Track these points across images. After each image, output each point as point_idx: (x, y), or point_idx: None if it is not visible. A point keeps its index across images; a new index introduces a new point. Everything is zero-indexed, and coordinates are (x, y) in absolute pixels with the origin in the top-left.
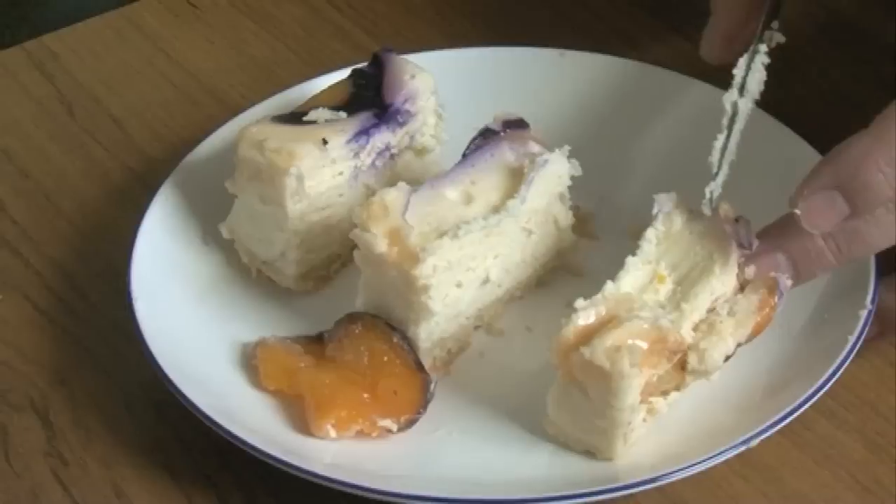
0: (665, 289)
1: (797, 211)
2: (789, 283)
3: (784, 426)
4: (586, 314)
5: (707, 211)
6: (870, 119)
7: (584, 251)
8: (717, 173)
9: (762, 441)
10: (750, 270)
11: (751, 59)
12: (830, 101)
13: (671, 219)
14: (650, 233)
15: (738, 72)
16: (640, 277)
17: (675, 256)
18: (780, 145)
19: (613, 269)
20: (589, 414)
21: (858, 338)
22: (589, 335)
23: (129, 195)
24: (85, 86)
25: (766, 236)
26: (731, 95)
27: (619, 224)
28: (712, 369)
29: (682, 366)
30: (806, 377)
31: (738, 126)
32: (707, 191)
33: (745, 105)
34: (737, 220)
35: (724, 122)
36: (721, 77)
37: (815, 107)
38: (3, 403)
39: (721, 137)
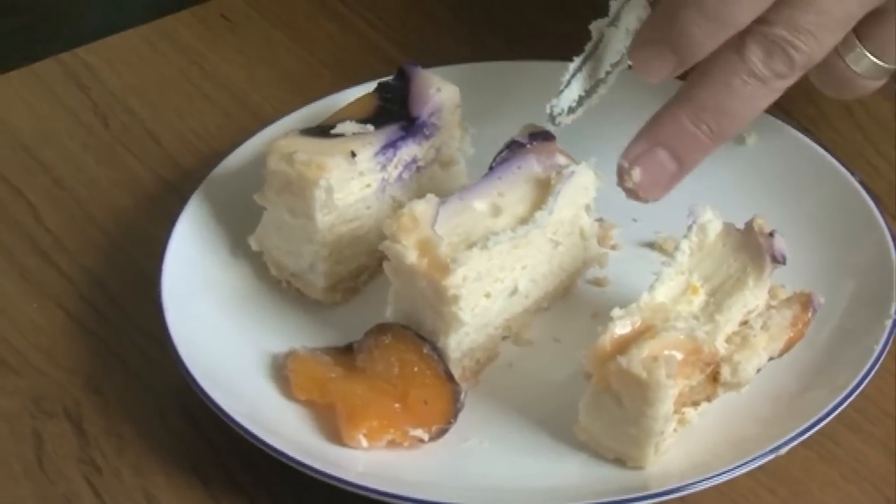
0: (698, 300)
1: (625, 60)
2: (820, 300)
3: (810, 439)
4: (623, 324)
5: (550, 128)
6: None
7: (607, 262)
8: (562, 91)
9: (789, 454)
10: (636, 173)
11: None
12: (860, 120)
13: (705, 230)
14: (684, 244)
15: (614, 4)
16: (673, 288)
17: (709, 268)
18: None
19: (636, 279)
20: (622, 422)
21: (884, 347)
22: (625, 344)
23: (161, 205)
24: (119, 97)
25: (638, 138)
26: (600, 24)
27: (639, 235)
28: (744, 382)
29: (714, 377)
30: (832, 387)
31: (608, 59)
32: (547, 106)
33: (615, 36)
34: (771, 234)
35: (588, 46)
36: None
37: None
38: (36, 410)
39: (577, 59)
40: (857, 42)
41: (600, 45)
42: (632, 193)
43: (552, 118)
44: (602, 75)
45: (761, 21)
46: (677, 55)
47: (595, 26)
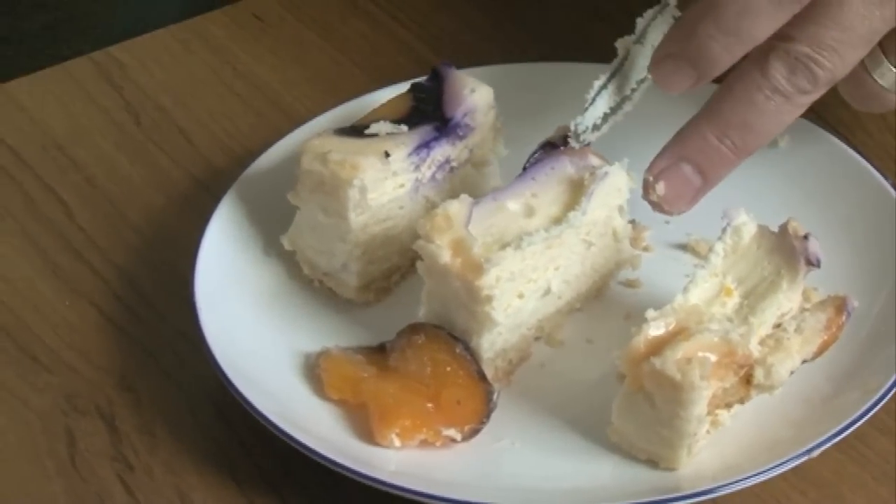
0: (732, 302)
1: (649, 76)
2: (854, 304)
3: (842, 442)
4: (657, 325)
5: (575, 145)
6: None
7: (640, 264)
8: (587, 108)
9: (820, 456)
10: (660, 187)
11: (658, 12)
12: (891, 122)
13: (739, 232)
14: (718, 246)
15: (641, 21)
16: (707, 290)
17: (742, 270)
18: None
19: (669, 281)
20: (655, 423)
21: None
22: (659, 346)
23: (194, 204)
24: (152, 96)
25: (663, 152)
26: (626, 41)
27: (672, 237)
28: (778, 385)
29: (747, 380)
30: (864, 390)
31: (634, 76)
32: (572, 124)
33: (641, 53)
34: (805, 236)
35: (614, 63)
36: None
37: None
38: (69, 408)
39: (603, 77)
40: (884, 57)
41: (626, 61)
42: (656, 206)
43: (576, 136)
44: (628, 92)
45: (784, 37)
46: (696, 69)
47: (621, 43)
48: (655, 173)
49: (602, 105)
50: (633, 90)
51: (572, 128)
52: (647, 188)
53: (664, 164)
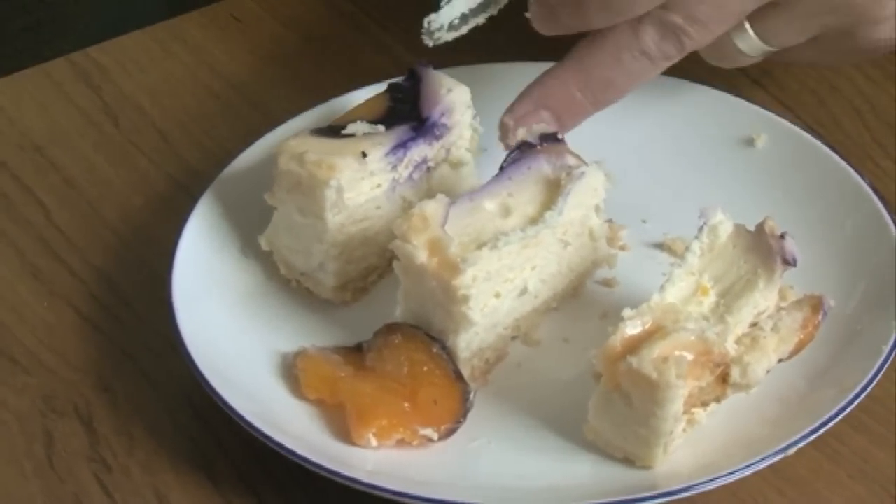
0: (708, 301)
1: (527, 15)
2: (830, 303)
3: (818, 439)
4: (634, 324)
5: (428, 42)
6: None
7: (616, 263)
8: (442, 6)
9: (796, 454)
10: (521, 132)
11: None
12: (868, 121)
13: (716, 231)
14: (695, 245)
15: None
16: (683, 289)
17: (719, 269)
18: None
19: (645, 280)
20: (631, 422)
21: (892, 349)
22: (636, 345)
23: (172, 205)
24: (130, 97)
25: (525, 97)
26: None
27: (648, 236)
28: (754, 384)
29: (723, 378)
30: (840, 388)
31: None
32: (425, 21)
33: None
34: (782, 236)
35: None
36: (755, 93)
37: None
38: (47, 409)
39: None
40: (747, 25)
41: None
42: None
43: (429, 33)
44: None
45: (660, 2)
46: (568, 24)
47: None
48: (516, 118)
49: (459, 5)
50: None
51: (425, 24)
52: (505, 132)
53: (524, 109)
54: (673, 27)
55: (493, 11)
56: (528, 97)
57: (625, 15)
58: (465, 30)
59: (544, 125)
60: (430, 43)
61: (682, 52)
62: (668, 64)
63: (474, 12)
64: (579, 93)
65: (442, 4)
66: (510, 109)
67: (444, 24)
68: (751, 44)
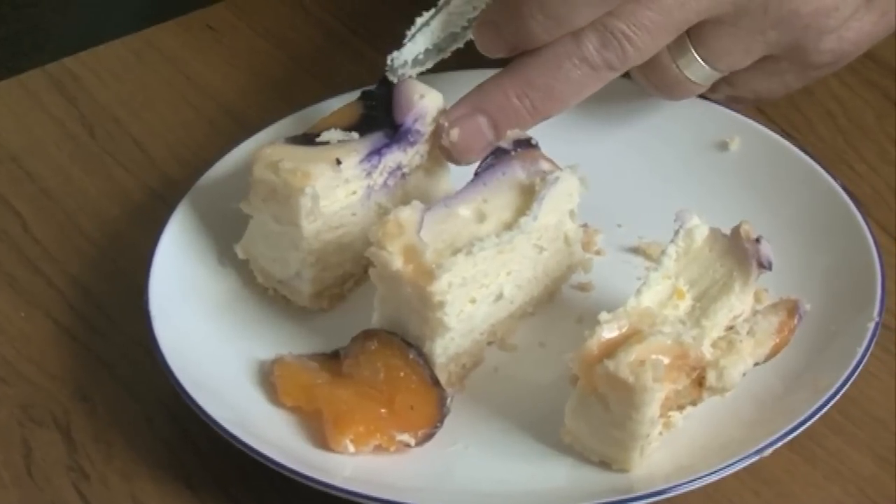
0: (684, 305)
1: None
2: (806, 307)
3: (794, 441)
4: (610, 328)
5: (392, 78)
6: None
7: (592, 267)
8: (405, 44)
9: (772, 455)
10: (454, 134)
11: None
12: (841, 125)
13: (692, 235)
14: (670, 248)
15: None
16: (659, 293)
17: (694, 273)
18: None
19: (621, 284)
20: (608, 425)
21: (866, 350)
22: (612, 348)
23: (149, 214)
24: (106, 107)
25: (463, 100)
26: None
27: (624, 241)
28: (730, 387)
29: (700, 382)
30: (815, 390)
31: (466, 14)
32: (389, 58)
33: None
34: (757, 239)
35: (440, 2)
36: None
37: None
38: (25, 418)
39: (426, 14)
40: (691, 48)
41: (446, 4)
42: (446, 152)
43: (393, 70)
44: (457, 29)
45: None
46: (513, 42)
47: None
48: (451, 120)
49: (423, 41)
50: (465, 27)
51: (388, 62)
52: (440, 133)
53: (461, 112)
54: (615, 33)
55: (460, 44)
56: (467, 101)
57: (567, 26)
58: (430, 64)
59: (518, 130)
60: (394, 79)
61: (625, 61)
62: (611, 74)
63: (440, 47)
64: (517, 99)
65: (405, 41)
66: (449, 110)
67: (407, 60)
68: (697, 68)
